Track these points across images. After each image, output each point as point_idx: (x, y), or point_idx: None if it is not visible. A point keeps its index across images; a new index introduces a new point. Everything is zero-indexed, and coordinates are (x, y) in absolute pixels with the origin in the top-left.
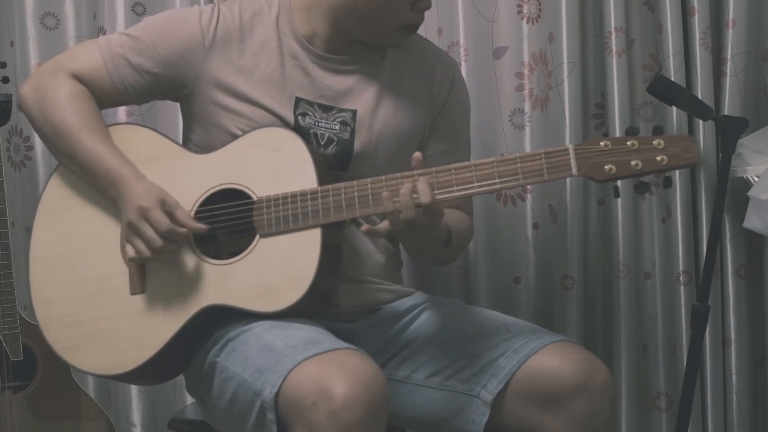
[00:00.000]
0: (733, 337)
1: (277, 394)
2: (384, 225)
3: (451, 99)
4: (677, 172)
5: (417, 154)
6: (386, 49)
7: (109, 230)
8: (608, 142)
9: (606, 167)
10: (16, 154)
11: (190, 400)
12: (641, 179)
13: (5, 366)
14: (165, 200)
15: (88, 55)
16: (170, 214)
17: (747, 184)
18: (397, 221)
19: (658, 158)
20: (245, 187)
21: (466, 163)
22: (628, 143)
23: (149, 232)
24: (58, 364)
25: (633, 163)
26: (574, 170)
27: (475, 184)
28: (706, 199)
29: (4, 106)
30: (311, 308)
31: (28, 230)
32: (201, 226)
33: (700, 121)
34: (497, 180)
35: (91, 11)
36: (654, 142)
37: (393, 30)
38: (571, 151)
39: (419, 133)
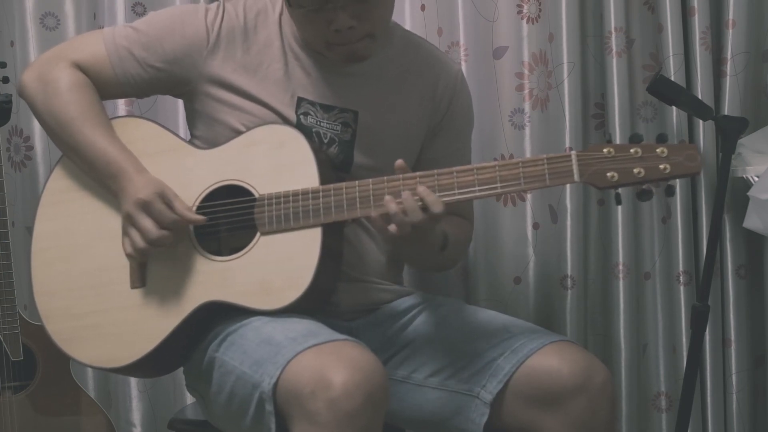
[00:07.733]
0: (733, 337)
1: (276, 385)
2: (392, 227)
3: (454, 105)
4: None
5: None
6: (390, 52)
7: (111, 223)
8: (611, 149)
9: (608, 174)
10: (16, 154)
11: (190, 399)
12: (643, 187)
13: (5, 366)
14: (164, 192)
15: (92, 46)
16: (169, 206)
17: (747, 184)
18: (403, 224)
19: (661, 167)
20: (247, 183)
21: (468, 167)
22: (632, 151)
23: (146, 223)
24: (58, 364)
25: (636, 171)
26: (576, 177)
27: (477, 188)
28: (706, 199)
29: (4, 106)
30: (310, 307)
31: (28, 230)
32: (199, 217)
33: (700, 121)
34: (499, 184)
35: (91, 11)
36: (657, 150)
37: (322, 46)
38: (573, 157)
39: (421, 136)
